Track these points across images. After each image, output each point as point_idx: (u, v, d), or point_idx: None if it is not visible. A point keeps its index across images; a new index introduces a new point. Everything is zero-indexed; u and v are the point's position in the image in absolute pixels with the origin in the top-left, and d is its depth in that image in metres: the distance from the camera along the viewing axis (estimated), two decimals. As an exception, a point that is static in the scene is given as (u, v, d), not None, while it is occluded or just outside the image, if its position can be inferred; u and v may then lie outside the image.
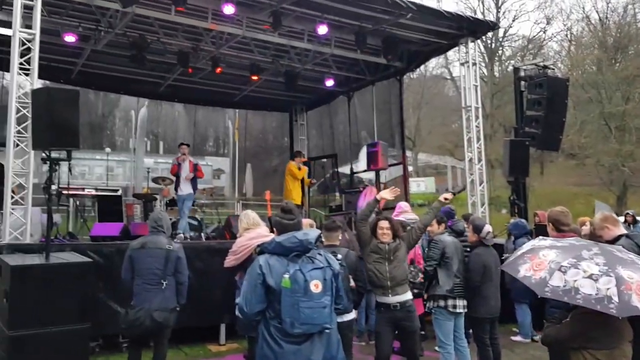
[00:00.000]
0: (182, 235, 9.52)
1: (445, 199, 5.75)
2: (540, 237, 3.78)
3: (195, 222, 10.88)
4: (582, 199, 29.86)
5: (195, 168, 10.47)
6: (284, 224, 3.57)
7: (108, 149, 18.59)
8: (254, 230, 5.46)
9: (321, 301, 3.31)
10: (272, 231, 5.75)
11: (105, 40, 10.73)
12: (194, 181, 10.49)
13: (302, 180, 11.85)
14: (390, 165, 13.01)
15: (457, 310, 5.87)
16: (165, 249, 5.27)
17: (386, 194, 5.63)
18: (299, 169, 11.61)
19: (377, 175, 12.66)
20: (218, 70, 12.27)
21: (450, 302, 5.84)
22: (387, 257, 5.29)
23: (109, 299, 6.47)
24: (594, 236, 4.91)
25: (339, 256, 4.21)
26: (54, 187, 6.28)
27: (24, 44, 6.87)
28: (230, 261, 5.49)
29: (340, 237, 5.65)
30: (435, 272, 5.87)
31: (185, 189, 10.34)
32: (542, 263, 3.24)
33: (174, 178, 10.66)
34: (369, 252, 5.40)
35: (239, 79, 13.98)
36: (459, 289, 5.88)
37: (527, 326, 7.87)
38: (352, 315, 5.30)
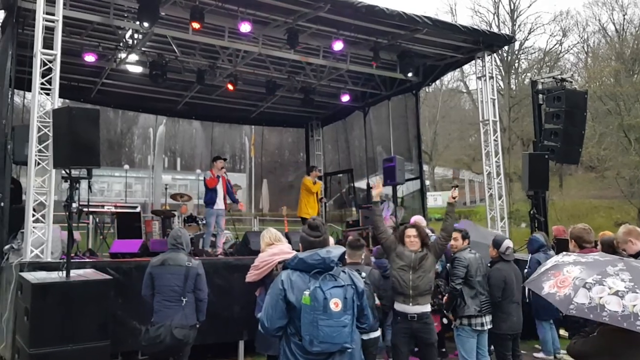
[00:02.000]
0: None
1: (453, 197, 5.68)
2: (564, 252, 3.71)
3: (212, 238, 10.88)
4: (602, 212, 29.41)
5: (229, 185, 10.24)
6: (310, 240, 3.56)
7: (126, 166, 18.78)
8: (276, 246, 5.43)
9: (341, 320, 3.27)
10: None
11: (124, 59, 10.90)
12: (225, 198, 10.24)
13: (317, 195, 11.84)
14: (407, 180, 12.93)
15: (484, 328, 5.80)
16: (184, 266, 5.29)
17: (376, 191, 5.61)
18: (314, 183, 11.62)
19: (394, 190, 12.59)
20: (231, 87, 12.37)
21: (477, 320, 5.77)
22: (412, 265, 5.26)
23: (128, 316, 6.48)
24: (616, 250, 4.82)
25: (363, 274, 4.20)
26: (74, 205, 6.31)
27: (45, 64, 6.99)
28: (251, 276, 5.47)
29: (363, 256, 5.63)
30: (461, 291, 5.79)
31: (222, 204, 9.99)
32: (566, 279, 3.18)
33: (191, 195, 10.48)
34: (394, 258, 5.38)
35: (255, 96, 14.10)
36: (486, 306, 5.82)
37: (549, 343, 7.73)
38: (377, 333, 5.25)
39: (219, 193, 9.91)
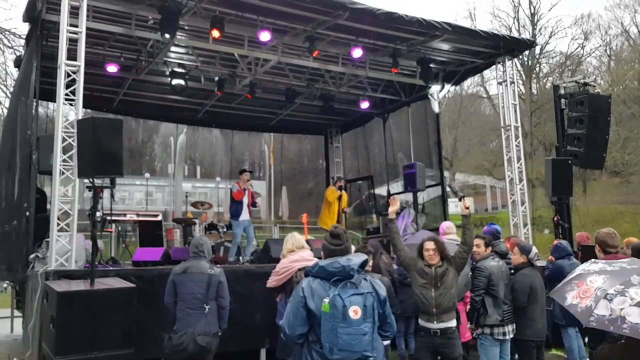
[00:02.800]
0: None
1: (466, 208, 5.55)
2: (592, 260, 3.63)
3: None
4: (627, 217, 28.87)
5: (252, 196, 10.56)
6: (331, 248, 3.58)
7: (147, 175, 18.94)
8: (297, 253, 5.44)
9: (360, 328, 3.27)
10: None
11: (146, 69, 11.05)
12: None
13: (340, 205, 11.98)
14: (428, 187, 12.85)
15: (507, 337, 5.73)
16: (207, 274, 5.32)
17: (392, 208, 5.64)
18: (335, 191, 11.77)
19: (415, 197, 12.53)
20: (249, 95, 12.44)
21: (499, 329, 5.70)
22: (434, 282, 5.16)
23: (151, 324, 6.52)
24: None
25: None
26: (98, 213, 6.39)
27: (69, 75, 7.12)
28: (272, 281, 5.51)
29: (371, 263, 5.61)
30: (483, 301, 5.71)
31: (247, 215, 10.37)
32: (588, 290, 3.11)
33: (212, 203, 10.70)
34: (415, 276, 5.30)
35: (275, 104, 14.16)
36: (508, 315, 5.74)
37: (575, 351, 7.58)
38: (387, 341, 5.22)
39: (244, 205, 10.24)
